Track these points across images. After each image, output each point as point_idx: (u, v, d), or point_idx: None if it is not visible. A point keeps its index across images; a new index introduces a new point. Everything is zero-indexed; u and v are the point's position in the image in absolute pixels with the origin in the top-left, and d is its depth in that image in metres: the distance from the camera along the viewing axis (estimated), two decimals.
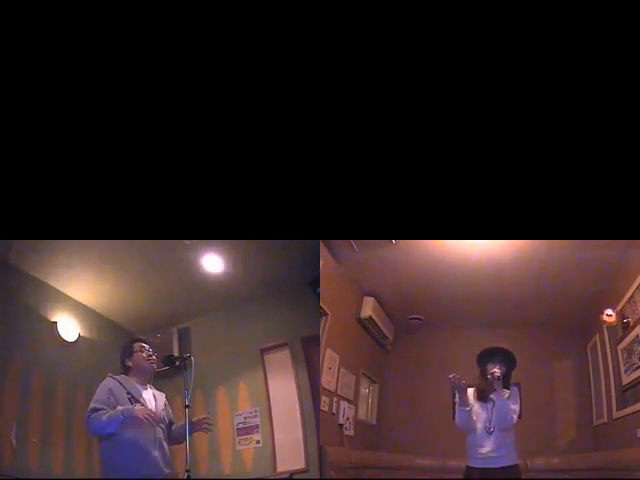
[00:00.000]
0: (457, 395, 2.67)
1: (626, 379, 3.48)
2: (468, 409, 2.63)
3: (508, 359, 2.70)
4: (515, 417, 2.59)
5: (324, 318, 3.70)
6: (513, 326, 4.66)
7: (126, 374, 2.45)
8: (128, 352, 2.49)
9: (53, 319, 3.86)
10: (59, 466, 3.55)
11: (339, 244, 3.58)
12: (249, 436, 4.36)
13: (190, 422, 2.41)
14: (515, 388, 2.70)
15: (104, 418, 2.21)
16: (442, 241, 3.35)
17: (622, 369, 3.55)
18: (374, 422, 4.83)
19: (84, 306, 4.21)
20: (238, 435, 4.40)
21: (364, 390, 4.69)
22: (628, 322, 3.43)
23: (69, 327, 3.98)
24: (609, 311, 3.71)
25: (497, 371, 2.62)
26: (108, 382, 2.37)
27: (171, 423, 2.52)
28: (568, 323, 4.66)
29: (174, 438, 2.49)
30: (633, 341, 3.35)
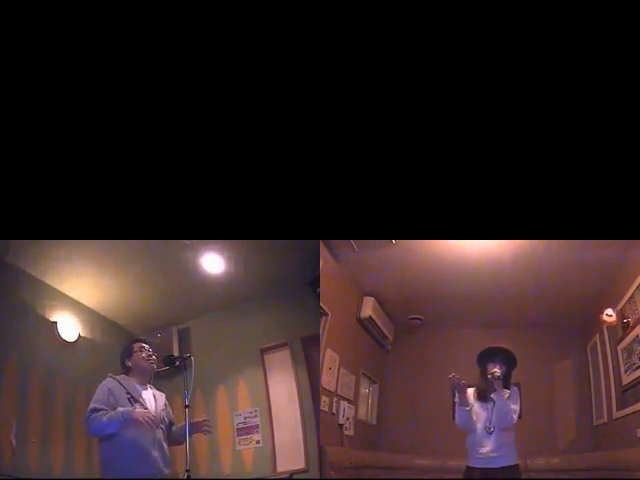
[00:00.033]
0: (457, 395, 2.67)
1: (626, 379, 3.48)
2: (468, 409, 2.63)
3: (508, 359, 2.70)
4: (515, 417, 2.59)
5: (324, 318, 3.70)
6: (513, 326, 4.66)
7: (126, 374, 2.45)
8: (128, 352, 2.49)
9: (53, 319, 3.86)
10: (59, 466, 3.55)
11: (339, 244, 3.58)
12: (249, 436, 4.35)
13: (190, 422, 2.42)
14: (515, 388, 2.70)
15: (104, 419, 2.22)
16: (442, 241, 3.35)
17: (622, 369, 3.55)
18: (374, 422, 4.83)
19: (84, 306, 4.21)
20: (238, 435, 4.39)
21: (364, 390, 4.69)
22: (628, 322, 3.43)
23: (69, 327, 3.98)
24: (609, 311, 3.71)
25: (497, 371, 2.62)
26: (108, 382, 2.37)
27: (171, 423, 2.52)
28: (568, 323, 4.66)
29: (174, 439, 2.49)
30: (633, 341, 3.35)
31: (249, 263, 3.89)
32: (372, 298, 4.31)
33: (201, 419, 2.55)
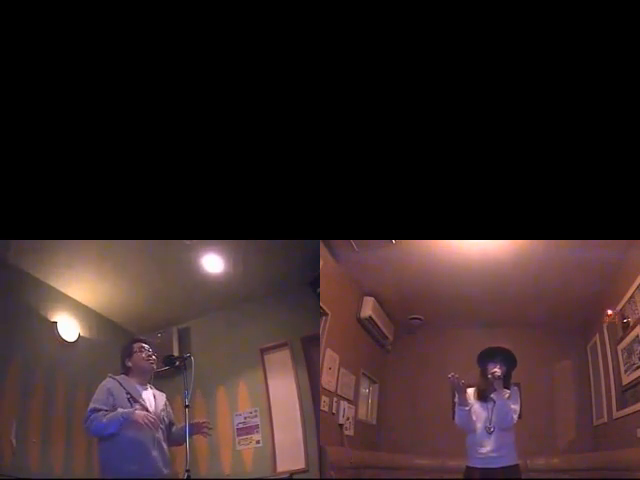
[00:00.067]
0: (456, 395, 2.67)
1: (626, 379, 3.48)
2: (467, 408, 2.63)
3: (508, 359, 2.70)
4: (515, 417, 2.58)
5: (324, 318, 3.70)
6: (513, 326, 4.66)
7: (126, 374, 2.45)
8: (128, 352, 2.49)
9: (53, 319, 3.86)
10: (59, 466, 3.55)
11: (339, 244, 3.58)
12: (249, 436, 4.35)
13: (190, 423, 2.42)
14: (515, 388, 2.70)
15: (104, 420, 2.22)
16: (442, 241, 3.35)
17: (622, 369, 3.55)
18: (374, 422, 4.83)
19: (84, 306, 4.21)
20: (238, 435, 4.39)
21: (364, 390, 4.69)
22: (628, 322, 3.43)
23: (69, 327, 3.98)
24: (609, 311, 3.71)
25: (497, 371, 2.62)
26: (107, 382, 2.38)
27: (171, 424, 2.52)
28: (568, 323, 4.66)
29: (174, 440, 2.49)
30: (633, 341, 3.35)
31: (249, 263, 3.89)
32: (372, 298, 4.31)
33: (202, 420, 2.55)
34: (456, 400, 2.68)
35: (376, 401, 4.89)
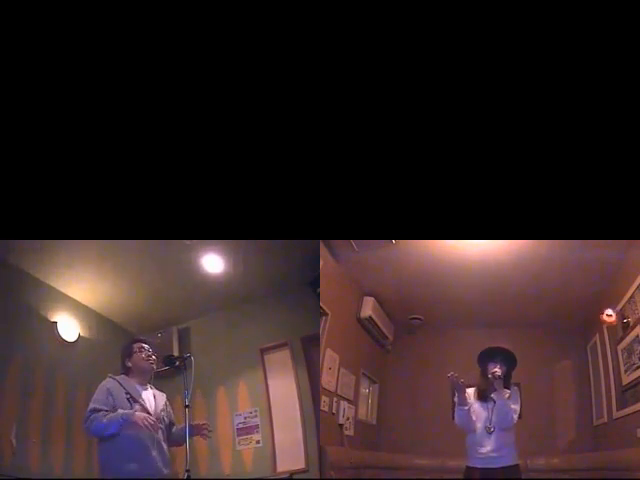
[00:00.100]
0: (456, 394, 2.67)
1: (626, 379, 3.48)
2: (467, 408, 2.63)
3: (509, 359, 2.70)
4: (515, 417, 2.58)
5: (324, 318, 3.70)
6: (513, 326, 4.66)
7: (126, 374, 2.45)
8: (128, 352, 2.49)
9: (53, 319, 3.86)
10: (59, 466, 3.55)
11: (339, 244, 3.58)
12: (249, 436, 4.35)
13: (190, 424, 2.41)
14: (515, 388, 2.70)
15: (104, 420, 2.22)
16: (442, 241, 3.35)
17: (622, 369, 3.55)
18: (374, 422, 4.83)
19: (84, 306, 4.21)
20: (238, 435, 4.39)
21: (364, 390, 4.69)
22: (628, 322, 3.43)
23: (69, 327, 3.98)
24: (609, 311, 3.71)
25: (498, 371, 2.62)
26: (107, 382, 2.38)
27: (171, 424, 2.52)
28: (568, 323, 4.66)
29: (174, 440, 2.49)
30: (633, 341, 3.35)
31: (249, 263, 3.89)
32: (372, 298, 4.31)
33: (202, 422, 2.54)
34: (455, 400, 2.68)
35: (376, 401, 4.89)
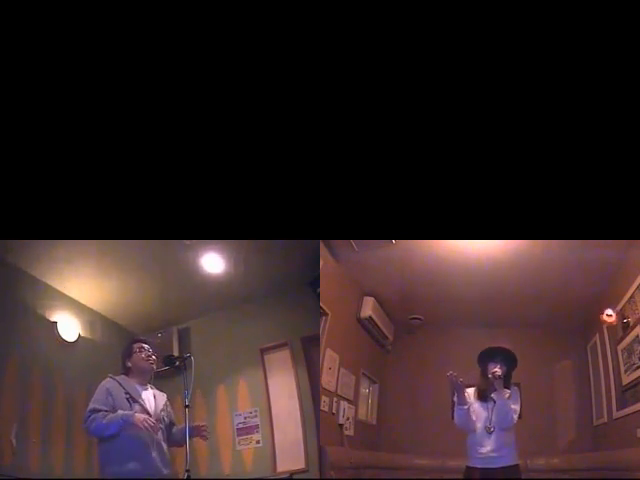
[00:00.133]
0: (455, 394, 2.67)
1: (626, 379, 3.48)
2: (466, 407, 2.63)
3: (509, 359, 2.70)
4: (515, 417, 2.58)
5: (324, 318, 3.69)
6: (513, 326, 4.66)
7: (126, 375, 2.45)
8: (128, 353, 2.50)
9: (53, 319, 3.86)
10: (59, 466, 3.55)
11: (339, 244, 3.58)
12: (249, 436, 4.35)
13: (190, 423, 2.41)
14: (515, 388, 2.70)
15: (104, 421, 2.22)
16: (442, 241, 3.35)
17: (622, 369, 3.55)
18: (374, 422, 4.82)
19: (84, 306, 4.21)
20: (238, 435, 4.39)
21: (364, 390, 4.69)
22: (628, 322, 3.43)
23: (69, 327, 3.97)
24: (609, 311, 3.71)
25: (498, 371, 2.62)
26: (107, 383, 2.38)
27: (172, 424, 2.52)
28: (568, 323, 4.66)
29: (174, 440, 2.49)
30: (633, 341, 3.35)
31: (249, 263, 3.89)
32: (372, 298, 4.31)
33: (201, 424, 2.54)
34: (455, 399, 2.68)
35: (376, 401, 4.89)
